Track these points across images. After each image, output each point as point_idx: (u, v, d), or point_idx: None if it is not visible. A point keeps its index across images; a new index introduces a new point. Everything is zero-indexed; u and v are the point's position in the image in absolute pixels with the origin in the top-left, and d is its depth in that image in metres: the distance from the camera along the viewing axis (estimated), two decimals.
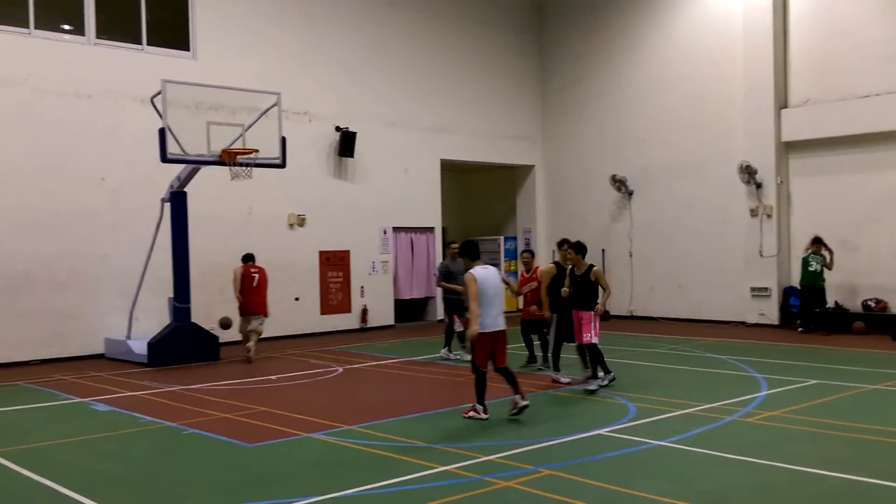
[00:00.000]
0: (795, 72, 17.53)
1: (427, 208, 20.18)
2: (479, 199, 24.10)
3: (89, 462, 7.73)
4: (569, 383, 10.71)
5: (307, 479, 6.87)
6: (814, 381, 10.82)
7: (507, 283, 12.04)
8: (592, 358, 10.42)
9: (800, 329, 16.45)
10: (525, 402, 8.70)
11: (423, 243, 20.29)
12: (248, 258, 14.63)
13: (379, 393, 11.20)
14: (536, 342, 12.54)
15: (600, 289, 10.51)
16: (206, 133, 12.95)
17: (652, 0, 19.88)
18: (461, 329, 13.23)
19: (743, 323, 17.92)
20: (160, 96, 12.71)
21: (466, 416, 8.87)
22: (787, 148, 17.69)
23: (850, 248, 16.61)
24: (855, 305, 16.60)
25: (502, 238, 22.57)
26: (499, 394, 9.45)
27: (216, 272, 15.80)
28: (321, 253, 18.12)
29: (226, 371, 13.12)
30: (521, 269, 12.75)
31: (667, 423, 8.57)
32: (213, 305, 15.79)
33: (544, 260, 19.57)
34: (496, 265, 19.74)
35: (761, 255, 17.64)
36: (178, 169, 13.70)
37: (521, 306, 12.54)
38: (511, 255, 22.31)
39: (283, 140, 13.80)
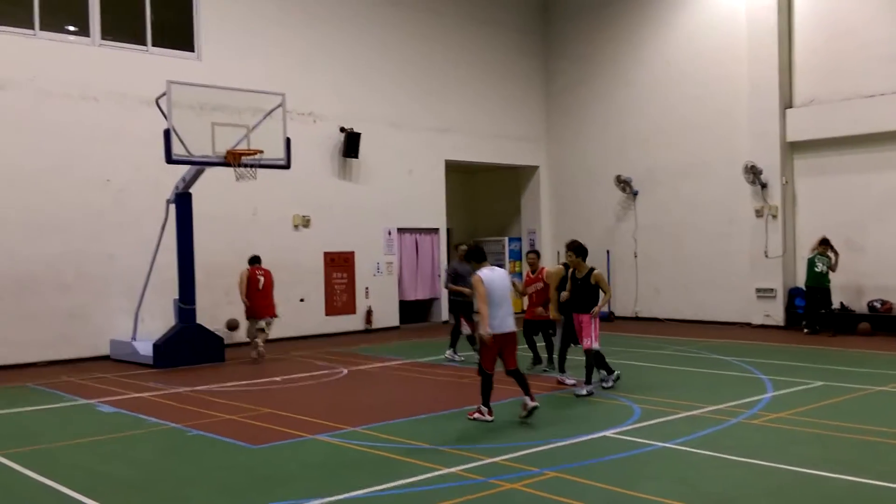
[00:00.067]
0: (800, 72, 17.50)
1: (431, 209, 20.18)
2: (484, 200, 24.10)
3: (94, 463, 7.74)
4: (574, 385, 10.69)
5: (312, 481, 6.87)
6: (820, 383, 10.79)
7: (512, 284, 12.02)
8: (589, 363, 10.36)
9: (805, 330, 16.40)
10: (534, 404, 8.67)
11: (428, 244, 20.29)
12: (255, 260, 14.70)
13: (384, 395, 11.20)
14: (540, 344, 12.52)
15: (601, 292, 10.44)
16: (210, 134, 12.97)
17: (657, 1, 19.85)
18: (468, 332, 13.21)
19: (748, 324, 17.89)
20: (165, 97, 12.73)
21: (471, 417, 8.86)
22: (792, 148, 17.66)
23: (855, 248, 16.56)
24: (861, 306, 16.56)
25: (507, 239, 22.55)
26: (504, 395, 9.46)
27: (221, 273, 15.81)
28: (326, 254, 18.14)
29: (231, 373, 13.14)
30: (526, 269, 12.72)
31: (672, 424, 8.55)
32: (219, 307, 15.82)
33: (549, 261, 19.58)
34: (500, 266, 19.72)
35: (766, 256, 17.60)
36: (184, 170, 13.74)
37: (524, 307, 12.48)
38: (516, 255, 22.30)
39: (288, 141, 13.81)
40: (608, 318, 19.46)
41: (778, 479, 6.61)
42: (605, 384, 10.56)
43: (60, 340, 14.56)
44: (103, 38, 15.34)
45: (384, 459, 7.44)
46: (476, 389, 8.98)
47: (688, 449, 7.52)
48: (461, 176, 22.95)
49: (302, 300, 17.53)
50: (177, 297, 14.16)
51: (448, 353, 13.70)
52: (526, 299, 12.30)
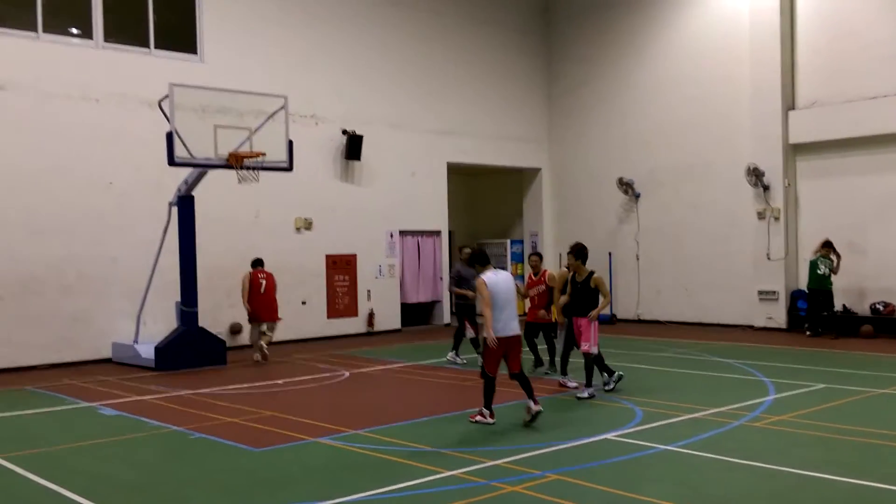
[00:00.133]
0: (802, 73, 17.49)
1: (434, 211, 20.18)
2: (486, 202, 24.10)
3: (96, 466, 7.74)
4: (576, 387, 10.68)
5: (314, 484, 6.87)
6: (822, 385, 10.78)
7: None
8: (588, 365, 10.35)
9: (808, 332, 16.38)
10: (538, 408, 8.62)
11: (430, 247, 20.29)
12: (257, 263, 14.75)
13: (385, 397, 11.20)
14: (542, 346, 12.51)
15: (600, 296, 10.42)
16: (213, 136, 12.98)
17: (659, 2, 19.86)
18: (472, 335, 13.20)
19: (750, 326, 17.86)
20: (167, 100, 12.74)
21: (473, 420, 8.86)
22: (795, 150, 17.64)
23: (857, 250, 16.54)
24: (863, 309, 16.54)
25: (509, 241, 22.55)
26: (506, 398, 9.45)
27: (223, 276, 15.84)
28: (328, 256, 18.14)
29: (233, 375, 13.14)
30: (528, 271, 12.72)
31: (674, 427, 8.54)
32: (221, 309, 15.85)
33: (551, 263, 19.55)
34: (503, 269, 19.71)
35: (769, 258, 17.58)
36: (186, 172, 13.75)
37: (525, 310, 12.46)
38: (518, 258, 22.29)
39: (290, 143, 13.83)
40: (610, 320, 19.44)
41: (780, 482, 6.60)
42: (606, 387, 10.55)
43: (62, 343, 14.57)
44: (106, 40, 15.36)
45: (386, 462, 7.44)
46: (478, 392, 8.98)
47: (690, 452, 7.52)
48: (463, 178, 22.95)
49: (304, 303, 17.54)
50: (179, 299, 14.16)
51: (450, 355, 13.70)
52: (527, 301, 12.29)
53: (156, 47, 15.92)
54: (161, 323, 14.93)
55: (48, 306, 14.44)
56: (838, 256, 16.12)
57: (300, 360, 14.69)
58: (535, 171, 22.40)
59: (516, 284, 9.37)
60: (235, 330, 15.19)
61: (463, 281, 13.17)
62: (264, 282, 14.55)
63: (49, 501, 6.63)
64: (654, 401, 9.87)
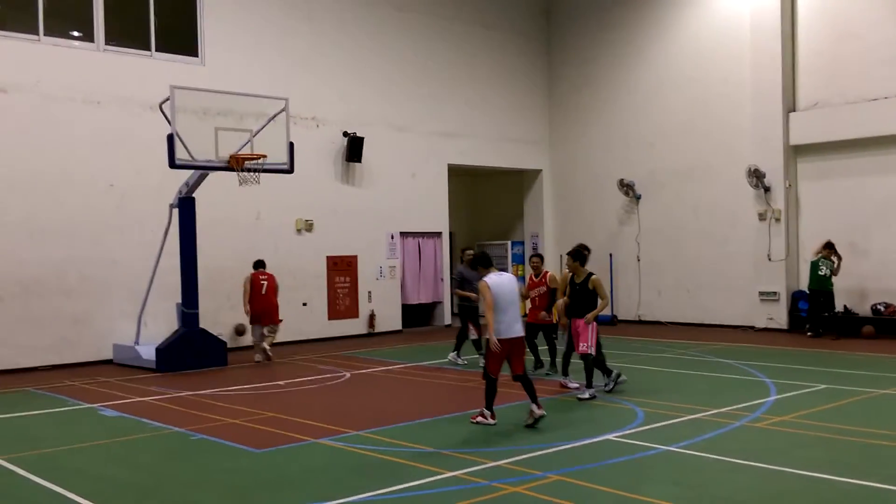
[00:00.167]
0: (804, 75, 17.50)
1: (434, 213, 20.18)
2: (487, 204, 24.10)
3: (97, 467, 7.75)
4: (577, 388, 10.67)
5: (315, 485, 6.87)
6: (823, 386, 10.77)
7: None
8: (588, 366, 10.35)
9: (809, 333, 16.38)
10: (541, 412, 8.58)
11: (431, 248, 20.29)
12: (258, 265, 14.81)
13: (386, 398, 11.19)
14: (542, 347, 12.51)
15: (599, 298, 10.41)
16: (214, 139, 13.00)
17: (659, 4, 19.87)
18: (475, 337, 13.20)
19: (752, 327, 17.86)
20: (168, 102, 12.76)
21: (474, 421, 8.86)
22: (796, 151, 17.65)
23: (858, 251, 16.54)
24: (864, 310, 16.53)
25: (510, 243, 22.55)
26: (507, 399, 9.44)
27: (224, 278, 15.86)
28: (329, 258, 18.15)
29: (234, 376, 13.14)
30: (529, 273, 12.71)
31: (675, 428, 8.54)
32: (221, 311, 15.86)
33: (552, 265, 19.56)
34: (504, 270, 19.70)
35: (770, 259, 17.58)
36: (187, 175, 13.77)
37: (526, 311, 12.45)
38: (518, 259, 22.29)
39: (291, 145, 13.84)
40: (611, 321, 19.44)
41: (782, 483, 6.60)
42: (605, 387, 10.54)
43: (63, 344, 14.58)
44: (107, 43, 15.37)
45: (387, 463, 7.44)
46: (479, 393, 8.98)
47: (691, 452, 7.52)
48: (464, 179, 22.96)
49: (305, 304, 17.54)
50: (180, 301, 14.17)
51: (451, 355, 13.70)
52: (528, 302, 12.29)
53: (157, 50, 15.93)
54: (162, 324, 14.94)
55: (49, 308, 14.45)
56: (839, 258, 16.12)
57: (301, 361, 14.70)
58: (535, 173, 22.41)
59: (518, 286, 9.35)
60: (240, 331, 15.21)
61: (466, 283, 13.18)
62: (265, 283, 14.59)
63: (50, 503, 6.63)
64: (656, 401, 9.87)
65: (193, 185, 13.85)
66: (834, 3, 17.01)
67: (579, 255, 10.49)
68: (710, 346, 15.25)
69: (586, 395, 10.16)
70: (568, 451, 7.65)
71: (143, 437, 8.89)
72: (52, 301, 14.48)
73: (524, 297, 12.30)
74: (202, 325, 14.27)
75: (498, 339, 8.56)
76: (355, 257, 18.60)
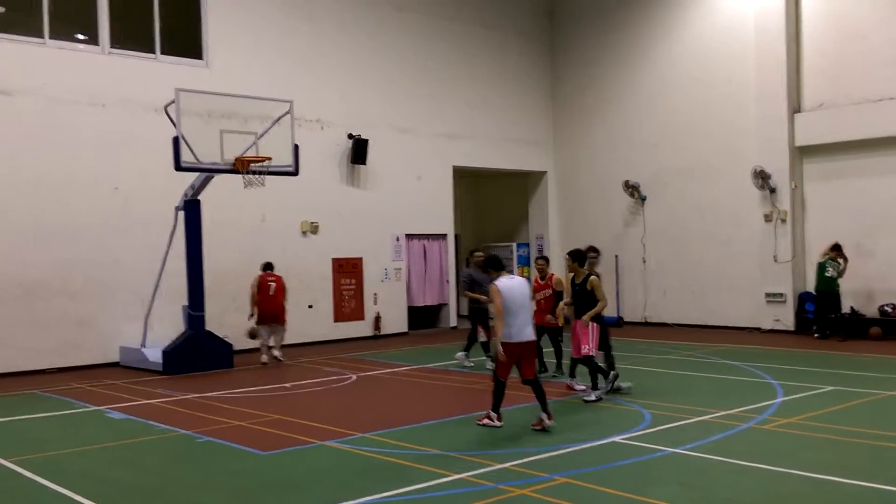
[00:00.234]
0: (809, 76, 17.45)
1: (439, 215, 20.18)
2: (492, 206, 24.08)
3: (104, 470, 7.75)
4: (584, 390, 10.65)
5: (321, 487, 6.87)
6: (830, 388, 10.73)
7: None
8: (591, 370, 10.31)
9: (816, 335, 16.33)
10: (551, 423, 8.49)
11: (436, 250, 20.29)
12: (267, 267, 14.93)
13: (392, 400, 11.19)
14: (548, 349, 12.48)
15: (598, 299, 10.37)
16: (219, 141, 13.01)
17: (663, 5, 19.85)
18: (484, 339, 13.18)
19: (758, 329, 17.81)
20: (173, 105, 12.78)
21: (480, 423, 8.83)
22: (801, 152, 17.60)
23: (865, 252, 16.48)
24: (871, 311, 16.47)
25: (515, 244, 22.52)
26: (514, 401, 9.42)
27: (230, 280, 15.87)
28: (334, 260, 18.15)
29: (240, 379, 13.15)
30: (534, 275, 12.69)
31: (682, 430, 8.51)
32: (227, 313, 15.85)
33: (557, 266, 19.53)
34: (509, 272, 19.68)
35: (776, 261, 17.54)
36: (192, 177, 13.78)
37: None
38: (524, 261, 22.27)
39: (296, 148, 13.84)
40: (617, 323, 19.40)
41: (789, 485, 6.58)
42: (578, 388, 10.45)
43: (69, 347, 14.60)
44: (112, 46, 15.41)
45: (393, 465, 7.43)
46: (485, 395, 8.97)
47: (698, 454, 7.49)
48: (469, 181, 22.95)
49: (310, 306, 17.53)
50: (186, 303, 14.19)
51: (460, 355, 13.68)
52: (533, 305, 12.25)
53: (162, 53, 15.97)
54: (168, 327, 14.95)
55: (55, 310, 14.48)
56: (845, 260, 16.06)
57: (307, 363, 14.70)
58: (540, 174, 22.39)
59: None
60: (254, 335, 15.25)
61: (475, 285, 13.16)
62: (273, 284, 14.70)
63: None
64: (662, 403, 9.85)
65: (199, 188, 13.87)
66: (838, 3, 16.97)
67: (578, 255, 10.47)
68: (717, 348, 15.21)
69: (592, 398, 10.14)
70: (575, 454, 7.63)
71: (149, 440, 8.89)
72: (57, 303, 14.51)
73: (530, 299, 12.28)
74: (208, 327, 14.28)
75: (508, 343, 8.52)
76: (361, 259, 18.60)
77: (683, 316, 19.41)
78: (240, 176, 13.25)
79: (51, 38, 14.77)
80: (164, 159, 13.17)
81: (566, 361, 11.48)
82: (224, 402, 10.92)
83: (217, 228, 15.34)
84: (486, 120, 20.89)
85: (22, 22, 14.62)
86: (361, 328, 18.59)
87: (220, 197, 15.01)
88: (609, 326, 11.19)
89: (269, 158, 13.26)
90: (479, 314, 13.26)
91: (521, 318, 8.62)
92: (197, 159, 12.87)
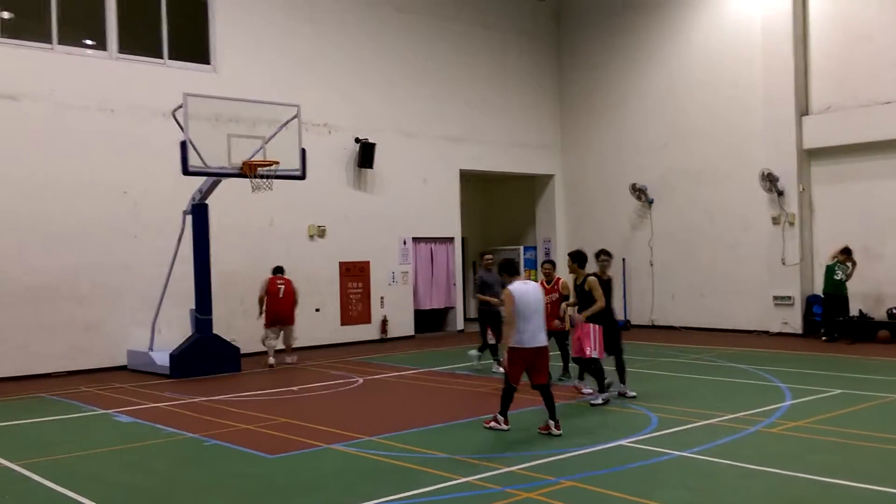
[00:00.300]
0: (816, 78, 17.41)
1: (446, 218, 20.19)
2: (499, 209, 24.09)
3: (111, 473, 7.78)
4: (591, 393, 10.63)
5: (328, 491, 6.87)
6: (838, 391, 10.69)
7: None
8: (595, 372, 10.29)
9: (824, 338, 16.27)
10: (558, 433, 8.43)
11: (443, 253, 20.30)
12: (277, 270, 15.11)
13: (399, 404, 11.19)
14: (554, 352, 12.46)
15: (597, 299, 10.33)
16: (226, 146, 13.06)
17: (670, 7, 19.84)
18: (493, 342, 13.17)
19: (766, 332, 17.75)
20: (181, 110, 12.82)
21: (487, 426, 8.83)
22: (809, 155, 17.56)
23: (873, 256, 16.42)
24: (880, 314, 16.40)
25: (522, 248, 22.52)
26: (521, 405, 9.40)
27: (237, 283, 15.92)
28: (341, 264, 18.18)
29: (247, 382, 13.18)
30: (541, 279, 12.67)
31: (689, 433, 8.49)
32: (235, 317, 15.91)
33: (564, 270, 19.50)
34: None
35: (784, 264, 17.48)
36: (200, 181, 13.83)
37: None
38: (531, 264, 22.25)
39: (303, 152, 13.88)
40: (624, 326, 19.33)
41: (797, 489, 6.55)
42: (584, 389, 10.39)
43: (77, 351, 14.66)
44: (120, 51, 15.48)
45: (400, 469, 7.43)
46: (491, 399, 8.96)
47: (705, 458, 7.47)
48: (476, 185, 22.95)
49: (317, 310, 17.56)
50: (193, 307, 14.22)
51: (473, 353, 13.70)
52: None
53: (169, 58, 16.04)
54: (176, 330, 14.98)
55: (63, 314, 14.54)
56: (854, 264, 15.99)
57: (314, 366, 14.72)
58: (547, 178, 22.39)
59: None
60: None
61: (486, 287, 13.17)
62: (282, 287, 14.89)
63: None
64: (670, 406, 9.83)
65: (206, 192, 13.91)
66: (846, 6, 16.93)
67: (578, 256, 10.47)
68: (724, 351, 15.17)
69: (599, 401, 10.12)
70: (581, 457, 7.62)
71: (156, 443, 8.92)
72: (66, 307, 14.56)
73: None
74: (216, 330, 14.31)
75: (521, 349, 8.49)
76: (368, 263, 18.62)
77: (691, 319, 19.37)
78: (247, 180, 13.29)
79: (59, 43, 14.85)
80: (172, 164, 13.22)
81: (574, 365, 11.44)
82: (231, 406, 10.94)
83: (224, 232, 15.39)
84: (493, 123, 20.90)
85: (30, 28, 14.70)
86: (368, 331, 18.60)
87: (228, 201, 15.05)
88: (620, 330, 11.16)
89: (277, 162, 13.30)
90: (488, 317, 13.25)
91: (535, 324, 8.57)
92: (205, 163, 12.91)
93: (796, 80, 17.32)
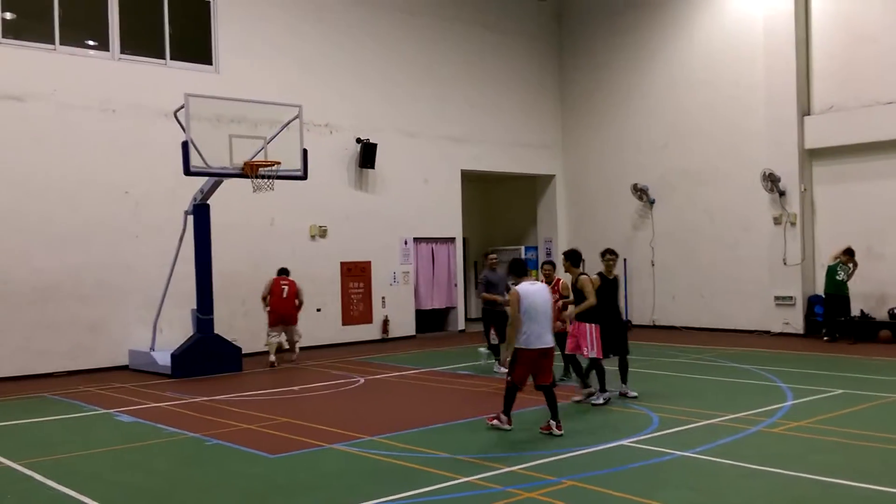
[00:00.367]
0: (818, 79, 17.40)
1: (447, 218, 20.19)
2: (500, 209, 24.09)
3: (113, 473, 7.78)
4: (592, 393, 10.61)
5: (330, 490, 6.88)
6: (840, 391, 10.68)
7: None
8: (599, 371, 10.27)
9: (825, 338, 16.26)
10: (559, 433, 8.43)
11: (444, 254, 20.30)
12: (282, 272, 15.21)
13: (400, 404, 11.20)
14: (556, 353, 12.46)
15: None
16: (228, 146, 13.08)
17: (672, 7, 19.83)
18: (495, 342, 13.16)
19: (767, 332, 17.74)
20: (183, 110, 12.83)
21: (490, 423, 8.82)
22: (811, 155, 17.55)
23: (875, 256, 16.41)
24: (882, 314, 16.39)
25: (523, 248, 22.52)
26: (523, 405, 9.40)
27: (239, 283, 15.94)
28: (342, 264, 18.19)
29: (249, 382, 13.18)
30: (541, 280, 12.65)
31: (691, 433, 8.49)
32: (236, 316, 15.93)
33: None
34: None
35: (785, 264, 17.47)
36: (201, 181, 13.84)
37: None
38: (532, 265, 22.22)
39: (305, 152, 13.89)
40: (625, 326, 19.32)
41: (799, 489, 6.55)
42: (575, 397, 10.35)
43: (80, 350, 14.67)
44: (122, 52, 15.50)
45: (401, 469, 7.43)
46: (493, 399, 8.96)
47: (707, 458, 7.47)
48: (477, 185, 22.97)
49: (319, 310, 17.56)
50: (194, 307, 14.24)
51: (483, 349, 13.71)
52: None
53: (171, 59, 16.05)
54: (177, 330, 15.00)
55: (65, 314, 14.55)
56: (855, 265, 15.99)
57: (315, 366, 14.73)
58: (548, 178, 22.39)
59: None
60: (280, 348, 15.43)
61: (491, 286, 13.17)
62: (286, 288, 14.97)
63: None
64: (671, 406, 9.83)
65: (208, 192, 13.92)
66: (848, 6, 16.92)
67: (572, 255, 10.46)
68: (726, 351, 15.16)
69: (600, 401, 10.12)
70: (583, 457, 7.62)
71: (158, 443, 8.93)
72: (68, 307, 14.58)
73: None
74: (217, 330, 14.32)
75: (526, 350, 8.48)
76: (369, 263, 18.63)
77: (692, 319, 19.36)
78: (249, 180, 13.31)
79: (61, 44, 14.86)
80: (174, 164, 13.22)
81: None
82: (233, 406, 10.94)
83: (226, 232, 15.40)
84: (494, 123, 20.91)
85: (33, 28, 14.72)
86: (369, 331, 18.61)
87: (229, 201, 15.06)
88: (627, 330, 11.16)
89: (279, 163, 13.31)
90: (492, 317, 13.23)
91: (541, 325, 8.56)
92: (206, 164, 12.94)
93: (798, 80, 17.31)
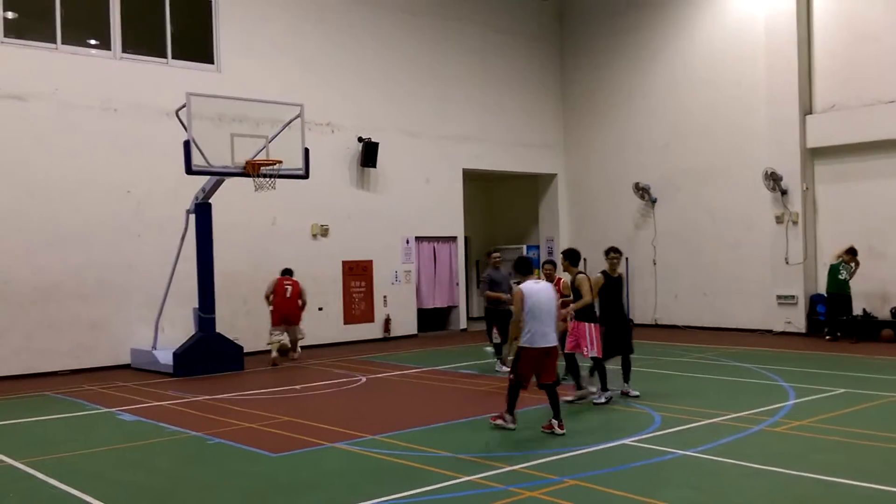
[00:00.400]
0: (820, 78, 17.38)
1: (449, 218, 20.19)
2: (502, 208, 24.09)
3: (115, 472, 7.79)
4: (595, 392, 10.61)
5: (331, 489, 6.88)
6: (842, 390, 10.67)
7: None
8: (600, 370, 10.25)
9: (827, 337, 16.25)
10: (562, 432, 8.41)
11: (446, 253, 20.30)
12: (286, 272, 15.26)
13: (402, 403, 11.20)
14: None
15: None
16: (230, 145, 13.08)
17: (673, 7, 19.82)
18: (498, 341, 13.15)
19: (769, 331, 17.73)
20: (185, 109, 12.84)
21: (494, 422, 8.81)
22: (813, 154, 17.53)
23: (877, 255, 16.40)
24: (884, 313, 16.38)
25: (525, 247, 22.50)
26: (525, 403, 9.40)
27: (240, 282, 15.96)
28: (344, 263, 18.19)
29: (250, 381, 13.19)
30: (542, 279, 12.65)
31: (693, 432, 8.49)
32: (237, 315, 15.94)
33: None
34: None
35: (787, 263, 17.46)
36: (203, 181, 13.84)
37: None
38: (534, 263, 22.17)
39: (306, 151, 13.90)
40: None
41: (800, 488, 6.55)
42: (568, 397, 10.35)
43: (82, 349, 14.69)
44: (124, 51, 15.51)
45: (403, 467, 7.44)
46: (494, 398, 8.96)
47: (709, 457, 7.46)
48: (479, 184, 22.97)
49: (321, 309, 17.57)
50: (196, 306, 14.25)
51: (489, 348, 13.72)
52: None
53: (173, 57, 16.06)
54: (179, 329, 15.01)
55: (67, 313, 14.57)
56: (857, 265, 15.98)
57: (317, 365, 14.73)
58: (550, 177, 22.38)
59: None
60: (283, 350, 15.44)
61: (494, 284, 13.18)
62: (290, 288, 15.02)
63: None
64: (673, 406, 9.82)
65: (210, 191, 13.93)
66: (849, 5, 16.91)
67: (570, 255, 10.48)
68: (728, 350, 15.16)
69: (602, 400, 10.11)
70: (585, 456, 7.62)
71: (160, 442, 8.93)
72: (70, 306, 14.60)
73: None
74: (219, 329, 14.33)
75: (530, 349, 8.48)
76: (370, 262, 18.63)
77: (694, 318, 19.36)
78: (250, 179, 13.31)
79: (63, 43, 14.87)
80: (176, 163, 13.24)
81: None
82: (234, 404, 10.95)
83: (227, 231, 15.40)
84: (496, 122, 20.90)
85: (34, 28, 14.73)
86: (371, 330, 18.62)
87: (231, 200, 15.07)
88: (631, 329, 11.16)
89: (280, 162, 13.32)
90: (495, 315, 13.23)
91: (545, 324, 8.55)
92: (208, 163, 12.94)
93: (800, 79, 17.30)
